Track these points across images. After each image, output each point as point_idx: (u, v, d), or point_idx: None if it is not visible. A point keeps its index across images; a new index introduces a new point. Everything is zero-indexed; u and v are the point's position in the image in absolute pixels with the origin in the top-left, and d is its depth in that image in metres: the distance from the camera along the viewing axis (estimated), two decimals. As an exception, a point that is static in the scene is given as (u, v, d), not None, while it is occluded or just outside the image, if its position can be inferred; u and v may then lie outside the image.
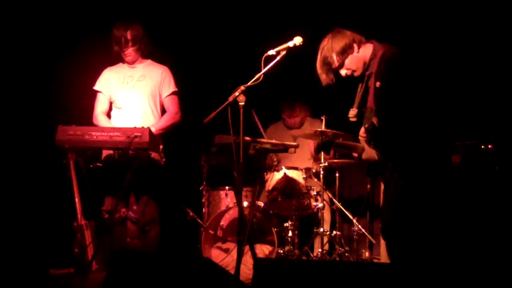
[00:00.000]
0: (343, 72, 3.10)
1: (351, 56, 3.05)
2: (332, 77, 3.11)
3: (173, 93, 4.11)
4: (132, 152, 3.58)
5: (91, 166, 3.91)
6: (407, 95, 2.89)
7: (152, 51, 4.16)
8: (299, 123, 5.30)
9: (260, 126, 4.82)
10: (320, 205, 4.70)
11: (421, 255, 2.98)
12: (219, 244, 4.77)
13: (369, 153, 3.06)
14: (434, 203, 3.02)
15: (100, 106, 4.11)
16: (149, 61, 4.16)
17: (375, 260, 4.91)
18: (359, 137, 3.13)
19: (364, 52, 3.06)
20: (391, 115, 2.92)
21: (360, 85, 3.16)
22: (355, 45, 3.04)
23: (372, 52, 3.03)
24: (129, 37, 3.97)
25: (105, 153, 3.97)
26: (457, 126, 3.29)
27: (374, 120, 2.93)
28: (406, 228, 3.00)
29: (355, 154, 3.19)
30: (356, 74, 3.10)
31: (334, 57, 3.05)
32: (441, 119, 3.00)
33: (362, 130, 3.08)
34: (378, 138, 2.98)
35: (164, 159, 3.98)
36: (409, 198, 3.00)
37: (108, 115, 4.13)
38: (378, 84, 2.95)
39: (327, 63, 3.07)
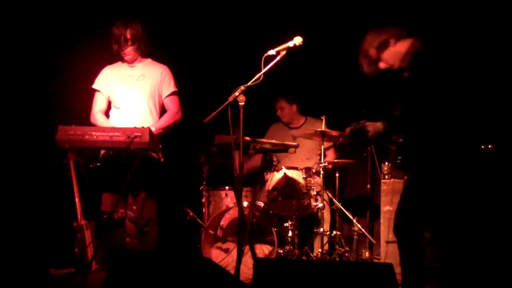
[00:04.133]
0: (381, 65, 3.25)
1: (387, 50, 3.20)
2: (374, 69, 3.27)
3: (173, 93, 4.10)
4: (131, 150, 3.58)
5: (91, 166, 3.91)
6: (428, 88, 2.97)
7: (152, 51, 4.15)
8: (286, 117, 5.31)
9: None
10: (320, 205, 4.70)
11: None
12: (219, 244, 4.77)
13: (374, 127, 3.12)
14: (444, 199, 3.07)
15: (98, 105, 4.10)
16: (148, 60, 4.15)
17: (375, 260, 4.91)
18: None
19: (401, 47, 3.19)
20: (410, 106, 3.04)
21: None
22: (391, 41, 3.19)
23: (409, 47, 3.15)
24: (128, 36, 3.96)
25: (103, 151, 3.97)
26: (480, 127, 3.27)
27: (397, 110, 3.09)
28: (413, 223, 3.08)
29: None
30: (394, 67, 3.23)
31: (372, 50, 3.22)
32: (460, 118, 3.05)
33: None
34: (397, 128, 3.12)
35: (163, 159, 3.98)
36: (417, 193, 3.09)
37: (107, 114, 4.12)
38: (406, 74, 3.14)
39: (367, 56, 3.24)
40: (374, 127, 3.10)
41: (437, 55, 3.06)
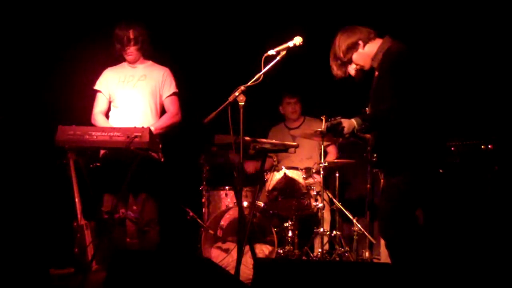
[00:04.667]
0: (352, 67, 3.23)
1: (357, 52, 3.18)
2: (345, 71, 3.25)
3: (174, 94, 4.11)
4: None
5: (91, 166, 3.91)
6: (397, 86, 2.96)
7: (153, 53, 4.16)
8: (296, 113, 5.32)
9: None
10: (320, 205, 4.70)
11: (414, 253, 3.00)
12: (219, 244, 4.77)
13: (349, 123, 3.08)
14: (415, 198, 3.05)
15: (99, 106, 4.11)
16: (150, 62, 4.17)
17: (375, 260, 4.91)
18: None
19: (370, 48, 3.17)
20: (379, 103, 3.05)
21: None
22: (360, 42, 3.17)
23: (379, 47, 3.13)
24: (131, 36, 3.98)
25: (102, 151, 3.97)
26: (448, 127, 3.28)
27: (368, 109, 3.11)
28: (393, 223, 3.04)
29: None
30: (365, 69, 3.22)
31: (342, 53, 3.19)
32: (429, 116, 3.03)
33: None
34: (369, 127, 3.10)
35: (163, 159, 3.98)
36: (392, 193, 3.06)
37: (107, 115, 4.13)
38: (376, 74, 3.13)
39: (336, 58, 3.22)
40: (349, 123, 3.06)
41: (407, 52, 3.04)
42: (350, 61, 3.20)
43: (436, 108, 3.08)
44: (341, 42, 3.19)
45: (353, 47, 3.17)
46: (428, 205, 3.11)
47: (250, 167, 5.16)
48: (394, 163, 3.06)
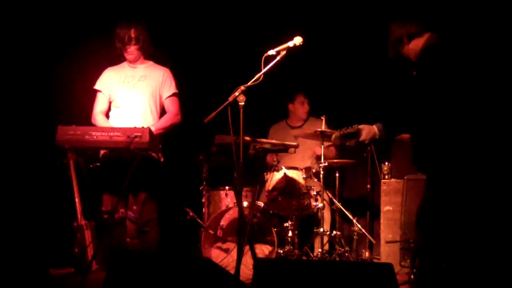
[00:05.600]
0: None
1: (403, 48, 3.18)
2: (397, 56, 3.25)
3: (174, 94, 4.11)
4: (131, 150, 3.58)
5: (91, 166, 3.91)
6: (435, 84, 2.92)
7: (154, 53, 4.16)
8: (305, 114, 5.34)
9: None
10: (320, 205, 4.70)
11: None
12: (219, 244, 4.76)
13: (369, 130, 3.07)
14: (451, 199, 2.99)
15: (99, 106, 4.11)
16: (150, 62, 4.17)
17: (375, 260, 4.91)
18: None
19: (415, 44, 3.14)
20: (417, 104, 2.98)
21: None
22: (405, 39, 3.15)
23: (423, 44, 3.11)
24: (132, 35, 3.98)
25: (102, 151, 3.97)
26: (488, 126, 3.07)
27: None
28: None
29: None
30: (412, 61, 3.20)
31: (389, 48, 3.22)
32: (469, 116, 2.93)
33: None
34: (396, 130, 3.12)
35: (163, 159, 3.98)
36: (430, 193, 3.04)
37: (107, 115, 4.13)
38: (414, 73, 3.09)
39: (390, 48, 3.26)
40: (368, 130, 3.04)
41: (446, 50, 3.00)
42: (398, 55, 3.20)
43: (477, 106, 2.96)
44: (390, 38, 3.21)
45: (398, 43, 3.16)
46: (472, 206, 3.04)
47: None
48: (436, 165, 2.99)
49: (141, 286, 2.67)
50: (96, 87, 4.13)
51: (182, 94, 4.18)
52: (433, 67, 2.97)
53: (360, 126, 3.08)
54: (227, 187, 4.90)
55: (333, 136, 3.22)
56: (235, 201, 4.66)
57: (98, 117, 4.06)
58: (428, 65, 2.99)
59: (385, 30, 3.26)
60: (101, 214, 3.90)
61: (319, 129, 4.62)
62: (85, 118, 4.10)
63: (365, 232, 4.89)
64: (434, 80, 2.94)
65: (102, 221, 3.90)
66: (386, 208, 4.77)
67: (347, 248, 4.73)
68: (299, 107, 5.35)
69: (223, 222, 4.73)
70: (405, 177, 4.57)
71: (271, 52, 3.23)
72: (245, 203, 4.61)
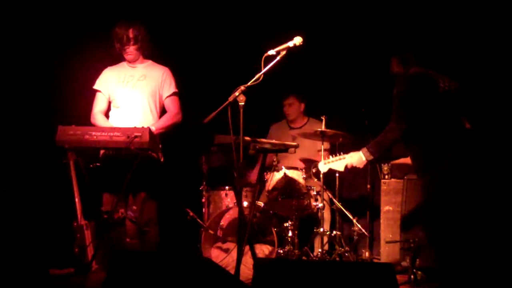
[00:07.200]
0: None
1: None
2: None
3: (174, 93, 4.11)
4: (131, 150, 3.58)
5: (91, 166, 3.91)
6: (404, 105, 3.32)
7: (153, 52, 4.16)
8: (293, 115, 5.32)
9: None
10: (320, 205, 4.69)
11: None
12: (219, 244, 4.76)
13: (355, 157, 3.46)
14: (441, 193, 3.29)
15: (99, 105, 4.11)
16: (150, 62, 4.16)
17: (375, 260, 4.91)
18: None
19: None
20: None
21: None
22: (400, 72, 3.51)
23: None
24: (131, 35, 3.97)
25: (102, 151, 3.97)
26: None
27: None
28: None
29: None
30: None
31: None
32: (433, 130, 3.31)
33: None
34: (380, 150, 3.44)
35: (163, 159, 3.98)
36: (423, 193, 3.40)
37: (107, 115, 4.12)
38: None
39: None
40: (355, 157, 3.43)
41: (421, 79, 3.37)
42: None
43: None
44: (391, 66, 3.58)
45: (396, 75, 3.52)
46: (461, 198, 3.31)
47: (253, 176, 5.14)
48: (419, 168, 3.41)
49: (141, 286, 2.67)
50: (96, 87, 4.12)
51: (182, 94, 4.18)
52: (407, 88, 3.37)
53: (345, 155, 3.46)
54: (227, 187, 4.89)
55: (318, 165, 3.61)
56: (235, 201, 4.66)
57: (98, 117, 4.06)
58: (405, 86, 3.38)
59: (385, 30, 3.38)
60: (101, 214, 3.90)
61: (319, 129, 4.61)
62: (85, 118, 4.10)
63: (365, 232, 4.89)
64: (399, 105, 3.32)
65: (102, 221, 3.90)
66: (386, 208, 4.77)
67: (347, 248, 4.73)
68: (287, 109, 5.34)
69: (223, 222, 4.73)
70: (405, 177, 4.57)
71: (271, 52, 3.23)
72: (245, 203, 4.61)
